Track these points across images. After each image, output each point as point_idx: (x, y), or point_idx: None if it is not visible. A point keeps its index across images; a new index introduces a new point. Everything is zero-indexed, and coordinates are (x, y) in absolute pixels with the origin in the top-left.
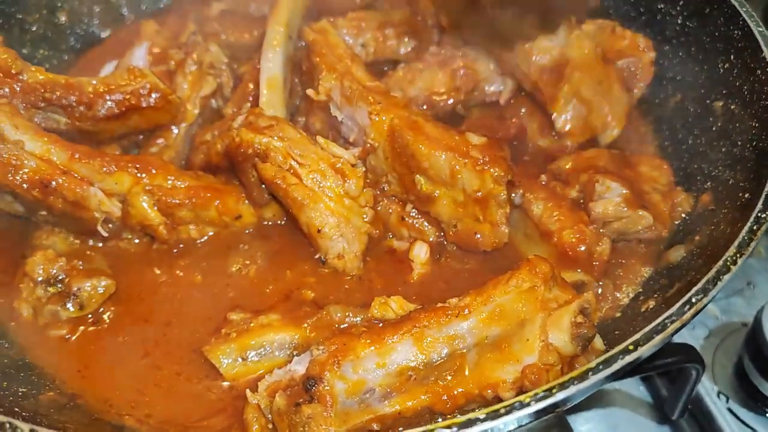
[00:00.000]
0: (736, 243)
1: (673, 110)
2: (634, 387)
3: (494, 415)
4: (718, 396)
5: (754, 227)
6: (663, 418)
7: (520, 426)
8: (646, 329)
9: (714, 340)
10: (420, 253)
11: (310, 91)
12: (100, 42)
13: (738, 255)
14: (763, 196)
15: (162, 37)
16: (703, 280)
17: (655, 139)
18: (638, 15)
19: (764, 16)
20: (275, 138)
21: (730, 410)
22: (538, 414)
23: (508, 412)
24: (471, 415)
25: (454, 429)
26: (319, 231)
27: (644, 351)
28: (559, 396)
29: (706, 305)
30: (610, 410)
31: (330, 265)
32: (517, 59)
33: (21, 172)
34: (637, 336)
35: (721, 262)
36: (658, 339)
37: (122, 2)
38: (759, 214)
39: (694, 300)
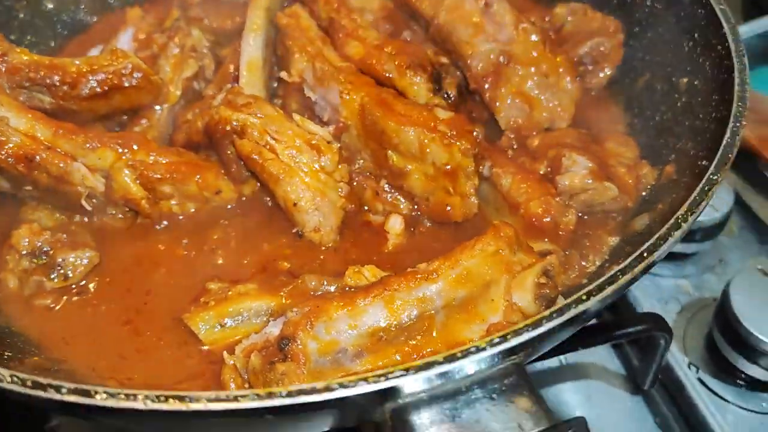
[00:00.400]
0: (687, 203)
1: (641, 89)
2: (608, 359)
3: (451, 358)
4: (689, 367)
5: (706, 188)
6: (636, 389)
7: (478, 371)
8: (599, 281)
9: (686, 314)
10: (395, 224)
11: (283, 74)
12: (87, 29)
13: (689, 213)
14: (716, 159)
15: (147, 23)
16: (654, 237)
17: (624, 118)
18: None
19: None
20: (252, 115)
21: (700, 380)
22: (493, 359)
23: (464, 356)
24: (429, 359)
25: (412, 371)
26: (295, 204)
27: (596, 301)
28: (513, 341)
29: (656, 261)
30: (585, 382)
31: (307, 237)
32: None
33: (6, 147)
34: (590, 287)
35: (672, 220)
36: (609, 290)
37: None
38: (711, 176)
39: (645, 254)
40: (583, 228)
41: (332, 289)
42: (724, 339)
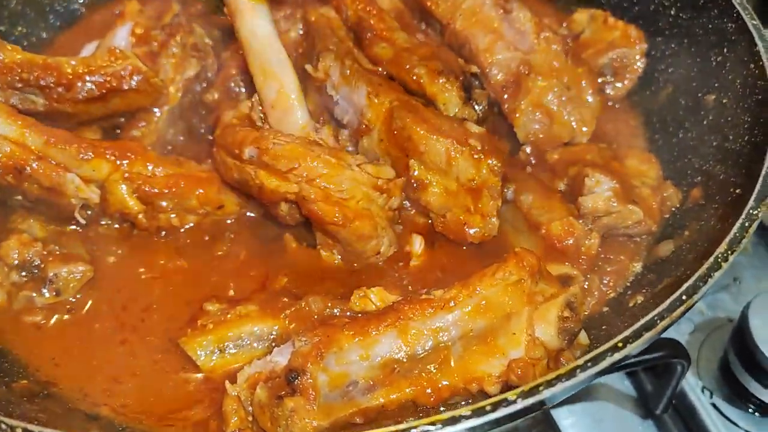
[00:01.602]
0: (727, 239)
1: (663, 103)
2: (618, 381)
3: (480, 413)
4: (702, 391)
5: (746, 224)
6: (647, 413)
7: (504, 423)
8: (635, 326)
9: (700, 336)
10: (415, 245)
11: (308, 67)
12: (80, 20)
13: (729, 252)
14: (755, 192)
15: (145, 17)
16: (694, 277)
17: (645, 132)
18: (631, 5)
19: (758, 8)
20: (304, 180)
21: (714, 405)
22: (525, 411)
23: (494, 410)
24: (455, 413)
25: (438, 426)
26: (364, 240)
27: (633, 348)
28: (546, 393)
29: (696, 302)
30: (595, 404)
31: (364, 261)
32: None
33: None
34: (626, 333)
35: (712, 259)
36: (647, 336)
37: None
38: (750, 211)
39: (684, 297)
40: (604, 251)
41: (336, 311)
42: (739, 363)
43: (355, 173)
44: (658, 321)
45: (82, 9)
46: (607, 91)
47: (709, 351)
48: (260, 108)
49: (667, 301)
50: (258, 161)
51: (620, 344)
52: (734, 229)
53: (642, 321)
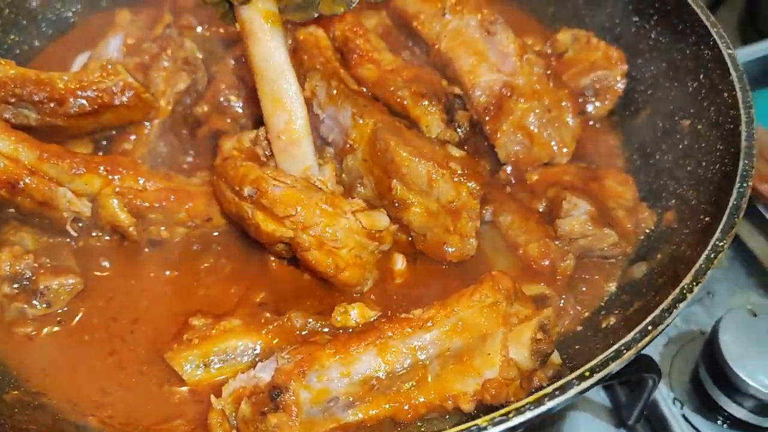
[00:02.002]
0: (692, 271)
1: (642, 124)
2: (594, 392)
3: None
4: (674, 402)
5: (712, 255)
6: (621, 422)
7: None
8: (602, 356)
9: (673, 348)
10: (398, 263)
11: None
12: (72, 28)
13: (694, 283)
14: (722, 223)
15: (136, 27)
16: (660, 308)
17: (624, 151)
18: (613, 26)
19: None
20: (299, 228)
21: (684, 417)
22: None
23: None
24: None
25: None
26: (351, 286)
27: (600, 377)
28: (516, 420)
29: (662, 331)
30: (570, 413)
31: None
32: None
33: None
34: (593, 363)
35: (677, 290)
36: (613, 365)
37: None
38: (717, 242)
39: (650, 327)
40: (580, 272)
41: (317, 326)
42: (709, 377)
43: (350, 223)
44: (625, 351)
45: (73, 17)
46: (589, 110)
47: (682, 363)
48: (265, 142)
49: (633, 332)
50: (256, 202)
51: (587, 373)
52: (700, 260)
53: (609, 351)
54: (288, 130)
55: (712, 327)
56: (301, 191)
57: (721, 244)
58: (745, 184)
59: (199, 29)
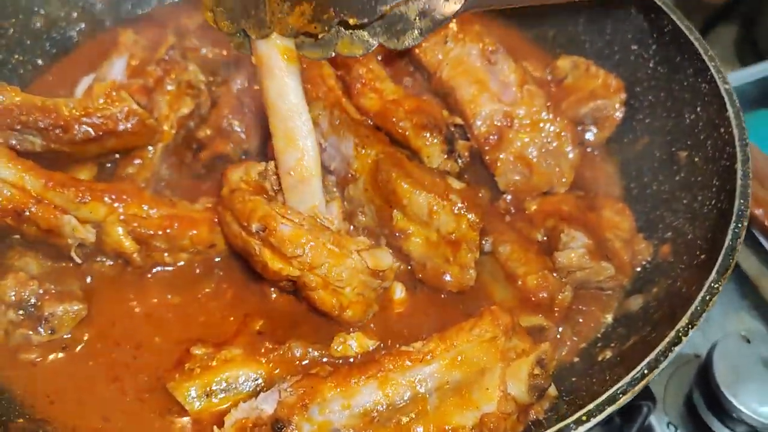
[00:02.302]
0: (688, 313)
1: (640, 153)
2: None
3: None
4: (668, 426)
5: (707, 297)
6: None
7: None
8: (599, 400)
9: (668, 370)
10: (397, 292)
11: None
12: (76, 47)
13: (690, 326)
14: (717, 265)
15: (140, 48)
16: (655, 351)
17: (621, 180)
18: (612, 53)
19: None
20: (306, 269)
21: None
22: None
23: None
24: None
25: None
26: (353, 323)
27: (597, 420)
28: None
29: (656, 374)
30: None
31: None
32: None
33: None
34: (589, 407)
35: (673, 333)
36: (610, 410)
37: (100, 8)
38: (712, 284)
39: (646, 371)
40: (577, 303)
41: (316, 354)
42: (703, 402)
43: (355, 263)
44: (621, 395)
45: (77, 37)
46: (587, 137)
47: (676, 387)
48: (274, 177)
49: (629, 376)
50: (264, 239)
51: (584, 418)
52: (695, 303)
53: (604, 396)
54: (299, 167)
55: (706, 352)
56: (309, 231)
57: (717, 285)
58: (740, 225)
59: (203, 51)
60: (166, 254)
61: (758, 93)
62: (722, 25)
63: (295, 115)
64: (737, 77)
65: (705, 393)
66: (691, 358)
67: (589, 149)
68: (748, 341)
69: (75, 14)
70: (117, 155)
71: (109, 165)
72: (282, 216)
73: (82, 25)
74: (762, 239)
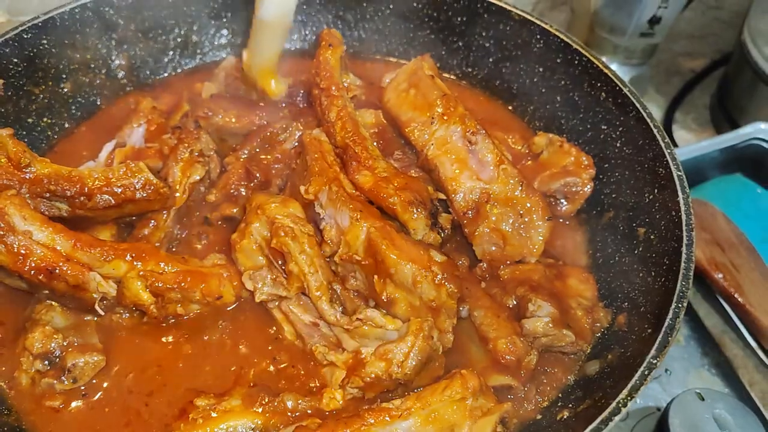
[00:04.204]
0: (628, 386)
1: (605, 225)
2: None
3: None
4: None
5: (645, 372)
6: None
7: None
8: None
9: (630, 422)
10: None
11: (302, 188)
12: (99, 111)
13: (629, 398)
14: (657, 342)
15: (157, 114)
16: (597, 421)
17: (588, 249)
18: (585, 130)
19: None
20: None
21: None
22: None
23: None
24: None
25: None
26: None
27: None
28: None
29: None
30: None
31: None
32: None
33: (29, 260)
34: None
35: (613, 404)
36: None
37: (121, 75)
38: (651, 360)
39: None
40: (542, 364)
41: (303, 405)
42: None
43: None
44: None
45: (100, 100)
46: (559, 208)
47: None
48: None
49: None
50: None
51: None
52: (635, 377)
53: None
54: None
55: (664, 407)
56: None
57: (655, 361)
58: (680, 305)
59: (214, 119)
60: (179, 306)
61: (727, 159)
62: (700, 90)
63: None
64: (708, 145)
65: None
66: (653, 410)
67: (560, 219)
68: (702, 399)
69: (98, 80)
70: (134, 217)
71: (125, 225)
72: None
73: (105, 91)
74: (722, 301)
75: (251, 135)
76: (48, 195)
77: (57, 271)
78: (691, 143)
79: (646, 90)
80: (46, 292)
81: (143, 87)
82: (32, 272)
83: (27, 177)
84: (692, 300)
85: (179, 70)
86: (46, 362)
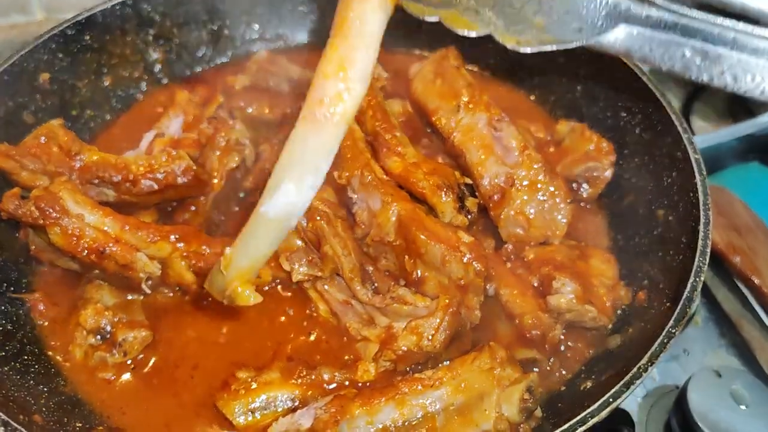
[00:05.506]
0: (648, 353)
1: (625, 209)
2: None
3: None
4: None
5: (665, 340)
6: None
7: None
8: (572, 422)
9: (650, 400)
10: None
11: (335, 174)
12: (138, 102)
13: (649, 364)
14: (675, 313)
15: (193, 106)
16: (620, 384)
17: (609, 232)
18: (605, 118)
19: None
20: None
21: None
22: None
23: None
24: None
25: None
26: None
27: None
28: None
29: (622, 402)
30: None
31: None
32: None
33: (82, 241)
34: (563, 427)
35: (635, 369)
36: (580, 430)
37: (158, 68)
38: (670, 329)
39: (611, 399)
40: (566, 339)
41: (338, 377)
42: (679, 429)
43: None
44: (590, 418)
45: (138, 94)
46: (580, 193)
47: (657, 415)
48: None
49: (598, 403)
50: None
51: None
52: (655, 344)
53: (576, 419)
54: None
55: (683, 385)
56: None
57: (674, 330)
58: (697, 279)
59: (248, 110)
60: None
61: (745, 147)
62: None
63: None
64: (726, 133)
65: (681, 421)
66: (672, 388)
67: (581, 204)
68: (720, 375)
69: (137, 74)
70: (174, 203)
71: (169, 209)
72: None
73: (143, 84)
74: (739, 284)
75: (284, 124)
76: (96, 181)
77: (107, 251)
78: (709, 132)
79: (664, 79)
80: (97, 272)
81: (179, 80)
82: (84, 252)
83: (77, 165)
84: (710, 283)
85: (212, 64)
86: (98, 337)
